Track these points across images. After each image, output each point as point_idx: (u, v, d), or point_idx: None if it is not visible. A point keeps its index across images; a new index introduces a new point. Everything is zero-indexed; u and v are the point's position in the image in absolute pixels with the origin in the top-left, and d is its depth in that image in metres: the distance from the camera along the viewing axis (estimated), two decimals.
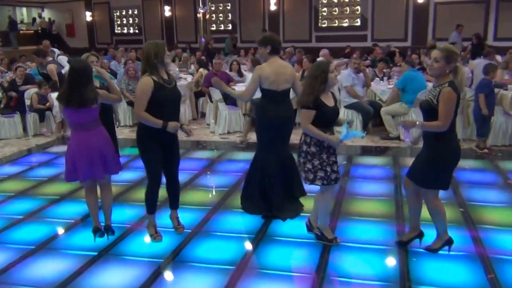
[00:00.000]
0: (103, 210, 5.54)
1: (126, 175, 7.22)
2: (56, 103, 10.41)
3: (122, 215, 6.07)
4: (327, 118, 4.82)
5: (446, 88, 4.34)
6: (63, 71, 10.44)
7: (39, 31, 26.50)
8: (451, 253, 4.86)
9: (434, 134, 4.44)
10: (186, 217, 5.91)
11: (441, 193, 6.41)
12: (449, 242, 4.84)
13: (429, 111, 4.44)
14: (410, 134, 4.70)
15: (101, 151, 5.15)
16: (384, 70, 12.04)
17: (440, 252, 4.87)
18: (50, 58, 11.33)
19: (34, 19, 28.07)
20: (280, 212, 5.84)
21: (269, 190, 5.88)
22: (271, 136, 5.81)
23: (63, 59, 11.56)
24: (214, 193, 6.92)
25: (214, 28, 22.86)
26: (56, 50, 13.07)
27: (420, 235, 4.99)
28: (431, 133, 4.48)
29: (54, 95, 10.52)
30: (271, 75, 5.63)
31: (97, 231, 5.41)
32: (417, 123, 4.51)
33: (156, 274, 4.68)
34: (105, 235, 5.42)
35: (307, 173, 4.90)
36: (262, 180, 5.92)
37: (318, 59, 11.85)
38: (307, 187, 5.54)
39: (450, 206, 6.04)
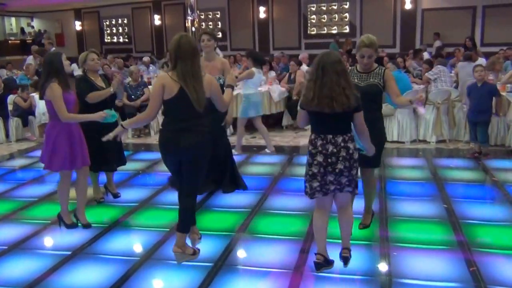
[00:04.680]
0: (78, 205, 5.57)
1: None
2: (38, 104, 10.29)
3: (99, 215, 5.94)
4: None
5: (387, 69, 4.73)
6: None
7: (27, 41, 26.36)
8: (433, 247, 4.79)
9: (379, 114, 4.66)
10: (164, 216, 5.83)
11: (427, 190, 6.42)
12: (373, 213, 5.30)
13: (377, 94, 4.56)
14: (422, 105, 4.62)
15: (81, 139, 5.30)
16: None
17: (422, 246, 4.82)
18: None
19: (22, 29, 27.90)
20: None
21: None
22: None
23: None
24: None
25: None
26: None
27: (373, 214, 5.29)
28: (375, 115, 4.57)
29: (37, 96, 10.40)
30: None
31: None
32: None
33: (131, 272, 4.53)
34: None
35: (353, 181, 4.18)
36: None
37: (302, 66, 11.81)
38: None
39: (434, 202, 5.99)
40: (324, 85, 3.88)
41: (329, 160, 4.01)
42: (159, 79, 4.38)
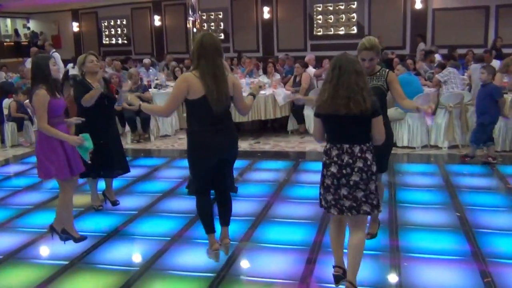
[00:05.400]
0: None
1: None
2: None
3: (98, 223, 5.98)
4: None
5: (391, 71, 4.76)
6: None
7: (22, 43, 26.45)
8: (446, 257, 4.77)
9: (384, 118, 4.47)
10: (165, 224, 5.84)
11: (439, 198, 6.41)
12: (379, 223, 5.30)
13: (380, 97, 4.43)
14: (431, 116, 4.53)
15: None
16: None
17: (434, 256, 4.80)
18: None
19: (16, 31, 27.98)
20: None
21: None
22: None
23: (57, 57, 12.26)
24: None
25: None
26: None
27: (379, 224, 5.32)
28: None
29: None
30: None
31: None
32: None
33: (131, 283, 4.53)
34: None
35: (375, 199, 3.96)
36: None
37: (308, 69, 11.84)
38: None
39: (446, 211, 5.98)
40: (341, 85, 3.75)
41: (344, 171, 3.86)
42: (184, 79, 4.36)
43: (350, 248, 4.00)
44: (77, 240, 5.33)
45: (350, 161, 3.84)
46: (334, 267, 4.19)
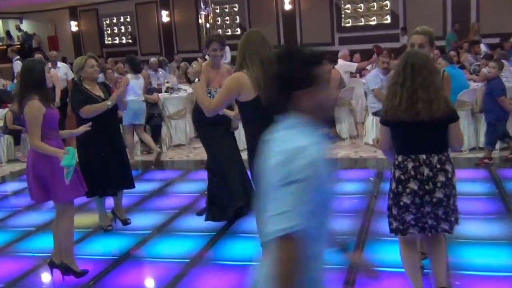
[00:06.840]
0: (66, 249, 5.18)
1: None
2: None
3: (107, 245, 6.01)
4: None
5: (445, 73, 4.64)
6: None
7: (14, 46, 26.72)
8: (502, 274, 4.74)
9: None
10: (183, 245, 5.85)
11: (491, 207, 6.36)
12: None
13: None
14: None
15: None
16: None
17: (489, 273, 4.78)
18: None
19: (8, 32, 28.30)
20: None
21: None
22: None
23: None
24: None
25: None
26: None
27: None
28: None
29: None
30: None
31: None
32: None
33: None
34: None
35: (456, 213, 4.01)
36: None
37: (338, 64, 11.87)
38: None
39: (501, 221, 5.94)
40: (417, 87, 3.70)
41: (426, 187, 3.80)
42: (236, 79, 4.45)
43: (435, 256, 4.12)
44: (78, 275, 5.10)
45: (431, 174, 3.79)
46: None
